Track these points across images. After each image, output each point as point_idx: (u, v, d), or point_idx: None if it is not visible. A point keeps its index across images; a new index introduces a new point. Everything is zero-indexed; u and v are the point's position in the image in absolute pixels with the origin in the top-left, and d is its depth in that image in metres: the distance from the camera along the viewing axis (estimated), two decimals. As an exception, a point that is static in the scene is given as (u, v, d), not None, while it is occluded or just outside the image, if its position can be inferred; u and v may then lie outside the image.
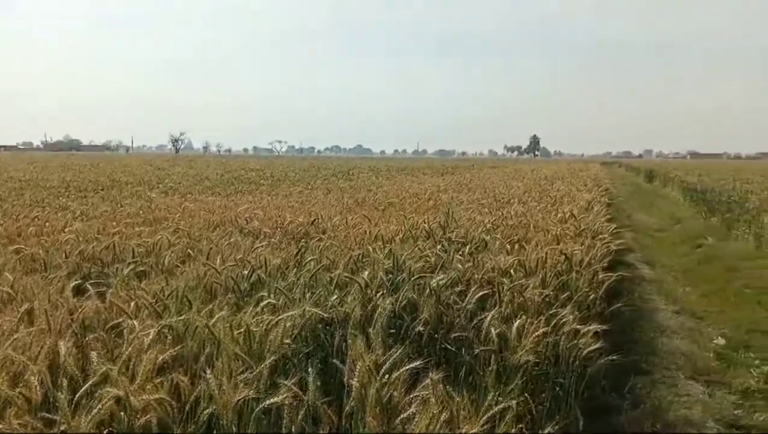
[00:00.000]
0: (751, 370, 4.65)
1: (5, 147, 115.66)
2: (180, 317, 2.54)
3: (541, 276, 3.79)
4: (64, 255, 4.42)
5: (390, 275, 3.50)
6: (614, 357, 3.12)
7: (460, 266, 3.91)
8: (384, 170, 27.82)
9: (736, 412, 3.95)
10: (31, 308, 2.79)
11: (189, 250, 4.75)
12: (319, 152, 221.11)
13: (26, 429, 1.81)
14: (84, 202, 9.36)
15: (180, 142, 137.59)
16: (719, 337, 5.55)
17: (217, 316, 2.46)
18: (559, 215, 6.99)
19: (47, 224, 6.23)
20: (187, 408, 2.02)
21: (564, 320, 3.07)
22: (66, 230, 5.74)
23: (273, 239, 5.26)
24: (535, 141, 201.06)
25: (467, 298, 3.16)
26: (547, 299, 3.45)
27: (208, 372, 1.95)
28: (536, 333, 2.83)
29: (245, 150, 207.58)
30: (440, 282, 3.23)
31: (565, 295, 3.64)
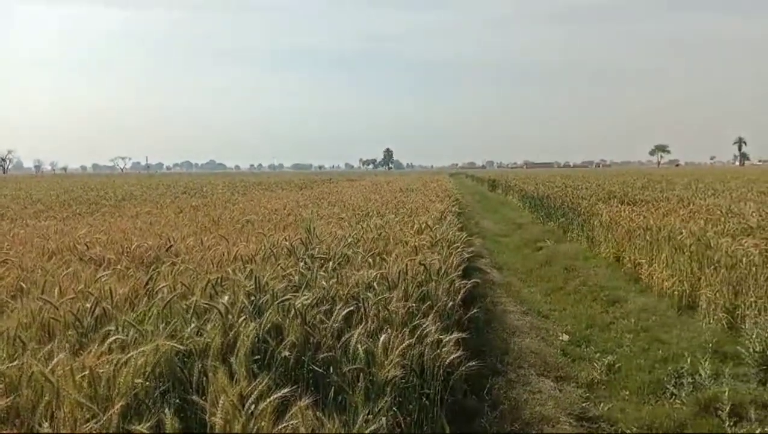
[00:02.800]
0: (594, 363, 5.10)
1: None
2: (12, 363, 2.23)
3: (403, 288, 3.87)
4: None
5: (252, 298, 3.36)
6: (474, 364, 3.26)
7: (324, 283, 3.87)
8: (240, 186, 27.02)
9: (584, 404, 4.30)
10: None
11: (21, 283, 4.23)
12: (168, 168, 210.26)
13: None
14: None
15: (7, 161, 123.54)
16: (563, 334, 6.04)
17: (56, 359, 2.18)
18: (415, 226, 7.22)
19: None
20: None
21: (427, 330, 3.15)
22: None
23: (119, 266, 4.85)
24: (388, 154, 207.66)
25: (333, 316, 3.12)
26: (411, 310, 3.52)
27: (46, 425, 1.72)
28: (401, 346, 2.87)
29: (83, 168, 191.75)
30: (305, 302, 3.16)
31: (426, 305, 3.74)
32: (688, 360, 4.82)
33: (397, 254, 5.19)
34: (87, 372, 2.10)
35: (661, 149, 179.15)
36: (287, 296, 3.37)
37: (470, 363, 3.26)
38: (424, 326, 3.17)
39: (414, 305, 3.62)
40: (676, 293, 6.99)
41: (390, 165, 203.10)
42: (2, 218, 10.70)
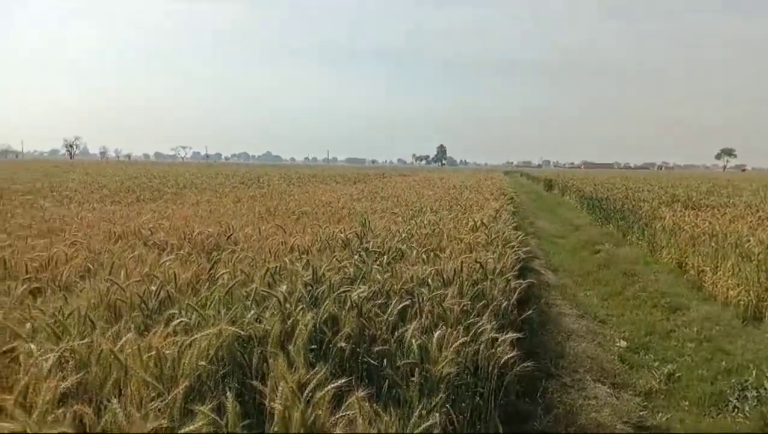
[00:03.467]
0: (653, 371, 4.94)
1: None
2: (83, 341, 2.33)
3: (458, 285, 3.85)
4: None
5: (309, 288, 3.41)
6: (528, 365, 3.21)
7: (379, 277, 3.89)
8: (295, 178, 27.44)
9: (641, 413, 4.17)
10: None
11: (89, 264, 4.43)
12: (226, 158, 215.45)
13: None
14: (-35, 212, 8.53)
15: (75, 147, 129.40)
16: (621, 340, 5.87)
17: (124, 339, 2.27)
18: (470, 224, 7.16)
19: None
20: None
21: (482, 329, 3.12)
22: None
23: (181, 252, 5.01)
24: (442, 151, 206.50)
25: (389, 310, 3.13)
26: (465, 309, 3.50)
27: (115, 401, 1.79)
28: (456, 344, 2.85)
29: (146, 156, 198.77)
30: (361, 295, 3.18)
31: (481, 303, 3.70)
32: (753, 373, 4.61)
33: (451, 251, 5.16)
34: (153, 353, 2.18)
35: (728, 153, 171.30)
36: (343, 288, 3.40)
37: (525, 364, 3.22)
38: (479, 324, 3.14)
39: (469, 303, 3.59)
40: (741, 302, 6.69)
41: (443, 162, 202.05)
42: (70, 202, 11.22)
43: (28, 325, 2.72)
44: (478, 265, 4.35)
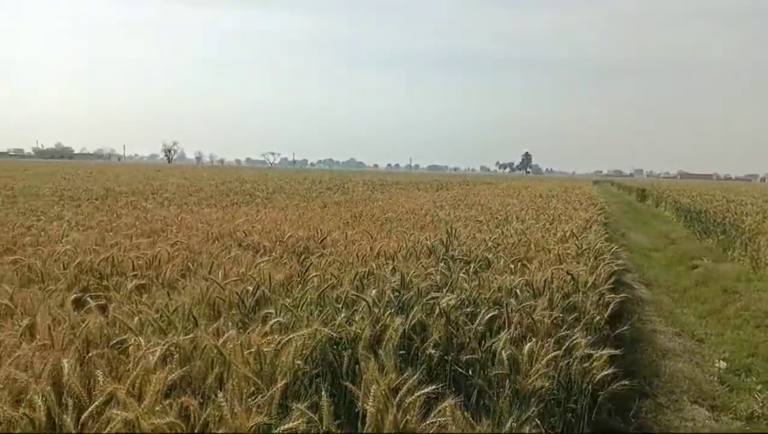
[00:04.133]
0: (755, 395, 4.61)
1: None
2: (187, 336, 2.47)
3: (548, 297, 3.76)
4: (62, 267, 4.33)
5: (397, 294, 3.44)
6: (626, 382, 3.08)
7: (466, 285, 3.87)
8: (378, 184, 27.77)
9: (743, 439, 3.90)
10: (33, 323, 2.72)
11: (189, 263, 4.67)
12: (312, 164, 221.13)
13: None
14: (79, 211, 9.24)
15: (173, 151, 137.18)
16: (720, 360, 5.51)
17: (225, 335, 2.39)
18: (558, 234, 6.98)
19: (43, 233, 6.14)
20: (196, 432, 1.94)
21: (575, 343, 3.03)
22: (63, 240, 5.65)
23: (273, 254, 5.20)
24: (527, 158, 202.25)
25: (477, 319, 3.11)
26: (556, 321, 3.41)
27: (220, 394, 1.88)
28: (547, 357, 2.79)
29: (238, 161, 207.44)
30: (450, 302, 3.17)
31: (572, 317, 3.60)
32: None
33: (539, 262, 5.05)
34: (253, 350, 2.27)
35: None
36: (431, 295, 3.41)
37: (619, 382, 3.09)
38: (573, 338, 3.05)
39: (560, 315, 3.50)
40: None
41: (528, 170, 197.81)
42: (170, 204, 11.91)
43: (136, 319, 2.91)
44: (570, 277, 4.22)
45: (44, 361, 2.26)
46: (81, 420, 1.88)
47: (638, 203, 33.93)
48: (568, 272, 4.25)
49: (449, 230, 5.98)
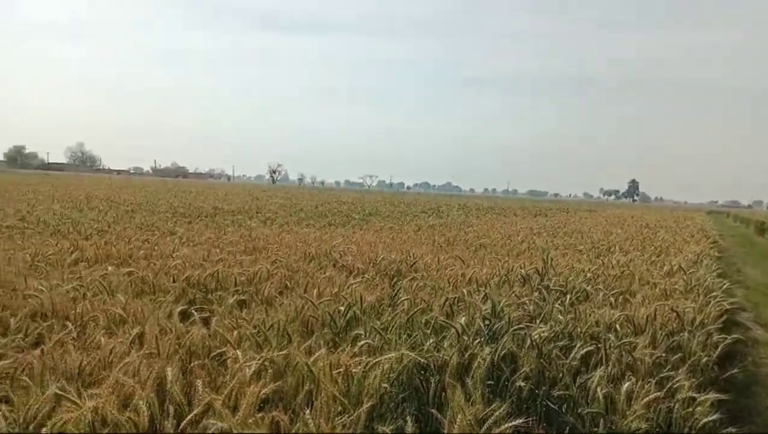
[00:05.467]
0: None
1: (118, 171, 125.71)
2: (281, 352, 2.56)
3: (650, 334, 3.55)
4: (171, 280, 4.63)
5: (487, 322, 3.39)
6: (733, 430, 2.83)
7: (561, 317, 3.74)
8: (474, 209, 27.52)
9: None
10: (142, 332, 2.93)
11: (286, 281, 4.85)
12: (408, 187, 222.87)
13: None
14: (190, 228, 9.87)
15: (277, 173, 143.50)
16: None
17: (316, 354, 2.45)
18: (665, 268, 6.59)
19: (156, 248, 6.61)
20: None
21: (679, 385, 2.84)
22: (173, 255, 6.06)
23: (366, 276, 5.29)
24: (634, 186, 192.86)
25: (572, 354, 2.99)
26: (658, 361, 3.21)
27: (308, 412, 1.93)
28: (647, 398, 2.63)
29: (337, 183, 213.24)
30: (542, 334, 3.08)
31: (677, 357, 3.37)
32: None
33: (643, 296, 4.79)
34: (342, 370, 2.32)
35: None
36: (522, 326, 3.33)
37: (726, 430, 2.85)
38: (676, 379, 2.86)
39: (662, 355, 3.30)
40: None
41: (635, 197, 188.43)
42: (273, 223, 12.44)
43: (236, 333, 3.06)
44: (675, 314, 3.97)
45: (150, 369, 2.42)
46: (180, 426, 2.00)
47: (758, 237, 31.29)
48: (672, 309, 4.00)
49: (546, 259, 5.82)
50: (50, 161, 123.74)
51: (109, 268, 4.89)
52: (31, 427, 1.99)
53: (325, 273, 5.24)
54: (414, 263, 6.05)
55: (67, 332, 2.87)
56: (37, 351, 2.57)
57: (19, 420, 1.96)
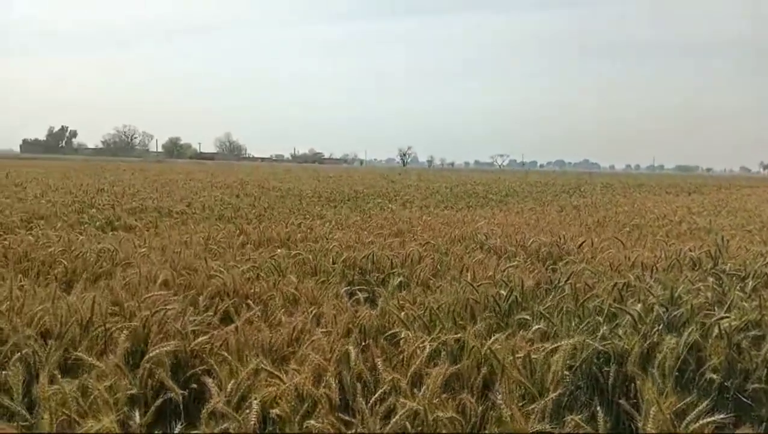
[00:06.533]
0: None
1: (262, 158, 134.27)
2: (455, 335, 2.59)
3: None
4: (330, 261, 4.85)
5: (665, 310, 3.18)
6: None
7: (745, 304, 3.42)
8: (619, 187, 25.98)
9: None
10: (320, 312, 3.10)
11: (437, 265, 4.89)
12: (541, 166, 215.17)
13: (333, 429, 1.97)
14: (336, 211, 10.30)
15: (407, 156, 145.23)
16: None
17: (493, 338, 2.45)
18: None
19: (311, 231, 6.97)
20: (468, 429, 2.02)
21: None
22: (328, 237, 6.36)
23: (518, 259, 5.18)
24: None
25: (765, 345, 2.73)
26: None
27: (498, 396, 1.93)
28: None
29: (467, 163, 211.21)
30: (732, 323, 2.83)
31: None
32: None
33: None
34: (522, 355, 2.30)
35: None
36: (704, 313, 3.09)
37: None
38: None
39: None
40: None
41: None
42: (412, 206, 12.61)
43: (403, 313, 3.14)
44: None
45: (332, 347, 2.56)
46: (369, 403, 2.09)
47: None
48: None
49: (717, 241, 5.34)
50: (201, 150, 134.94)
51: (279, 250, 5.22)
52: (234, 400, 2.17)
53: (474, 256, 5.21)
54: (561, 244, 5.83)
55: (253, 311, 3.10)
56: (231, 327, 2.81)
57: (227, 391, 2.14)
